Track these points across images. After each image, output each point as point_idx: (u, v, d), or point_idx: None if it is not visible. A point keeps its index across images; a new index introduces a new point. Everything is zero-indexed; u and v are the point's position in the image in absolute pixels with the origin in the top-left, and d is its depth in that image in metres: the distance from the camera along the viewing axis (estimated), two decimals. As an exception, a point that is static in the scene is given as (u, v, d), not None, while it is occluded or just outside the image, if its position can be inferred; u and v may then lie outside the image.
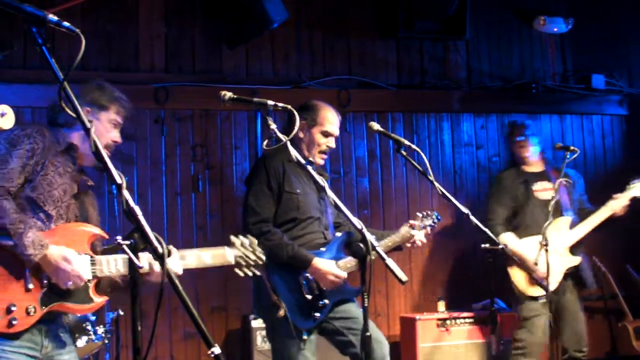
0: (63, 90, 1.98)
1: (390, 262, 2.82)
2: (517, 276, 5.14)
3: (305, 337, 3.87)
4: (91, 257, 2.87)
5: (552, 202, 4.82)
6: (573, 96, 6.89)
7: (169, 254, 2.94)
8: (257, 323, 5.27)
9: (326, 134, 4.16)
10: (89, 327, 4.32)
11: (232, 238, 3.25)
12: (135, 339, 2.00)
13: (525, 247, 5.09)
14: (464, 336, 5.65)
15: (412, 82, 6.53)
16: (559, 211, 5.11)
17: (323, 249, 4.04)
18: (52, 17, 2.01)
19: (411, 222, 4.27)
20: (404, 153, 3.56)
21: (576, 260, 5.13)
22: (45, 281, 2.76)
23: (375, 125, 3.67)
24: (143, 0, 5.82)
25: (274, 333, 3.99)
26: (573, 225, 5.16)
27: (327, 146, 4.17)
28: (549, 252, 4.68)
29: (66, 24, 2.03)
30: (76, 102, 1.99)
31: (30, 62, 5.40)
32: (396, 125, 6.40)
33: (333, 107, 4.27)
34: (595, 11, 6.89)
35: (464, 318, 5.67)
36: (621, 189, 5.15)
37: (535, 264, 4.97)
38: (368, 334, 2.90)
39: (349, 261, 4.01)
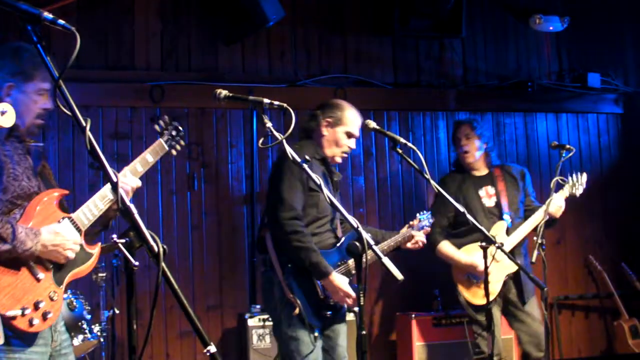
0: (58, 88, 1.98)
1: (386, 260, 2.83)
2: (465, 292, 5.02)
3: (316, 333, 3.88)
4: (69, 218, 2.83)
5: (551, 202, 4.77)
6: (569, 94, 6.90)
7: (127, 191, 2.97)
8: (253, 322, 5.26)
9: (349, 135, 4.16)
10: (85, 326, 4.32)
11: (155, 127, 3.27)
12: (131, 337, 2.00)
13: (467, 254, 4.96)
14: (460, 335, 5.65)
15: (408, 80, 6.53)
16: (498, 215, 5.01)
17: (333, 249, 4.03)
18: (48, 14, 2.00)
19: (411, 222, 4.32)
20: (400, 151, 3.56)
21: (514, 266, 4.81)
22: (49, 264, 2.77)
23: (371, 123, 3.67)
24: (139, -2, 5.83)
25: (282, 326, 3.95)
26: (516, 226, 4.98)
27: (349, 147, 4.17)
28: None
29: (61, 21, 2.03)
30: (72, 101, 1.98)
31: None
32: (392, 123, 6.41)
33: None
34: (591, 10, 6.90)
35: (460, 317, 5.68)
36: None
37: (474, 265, 4.84)
38: (364, 332, 2.90)
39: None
